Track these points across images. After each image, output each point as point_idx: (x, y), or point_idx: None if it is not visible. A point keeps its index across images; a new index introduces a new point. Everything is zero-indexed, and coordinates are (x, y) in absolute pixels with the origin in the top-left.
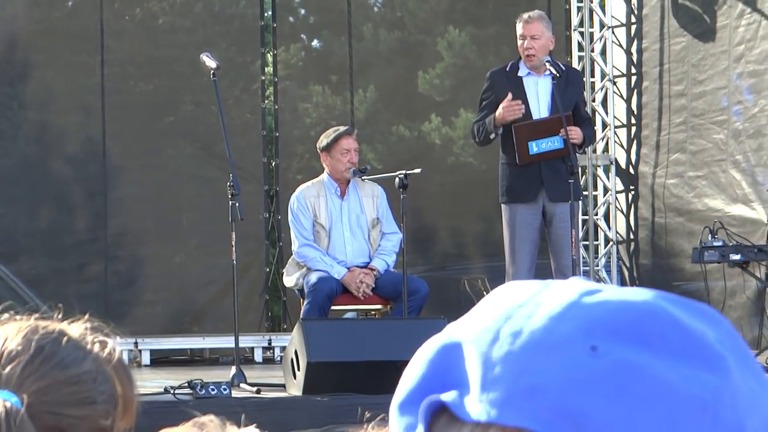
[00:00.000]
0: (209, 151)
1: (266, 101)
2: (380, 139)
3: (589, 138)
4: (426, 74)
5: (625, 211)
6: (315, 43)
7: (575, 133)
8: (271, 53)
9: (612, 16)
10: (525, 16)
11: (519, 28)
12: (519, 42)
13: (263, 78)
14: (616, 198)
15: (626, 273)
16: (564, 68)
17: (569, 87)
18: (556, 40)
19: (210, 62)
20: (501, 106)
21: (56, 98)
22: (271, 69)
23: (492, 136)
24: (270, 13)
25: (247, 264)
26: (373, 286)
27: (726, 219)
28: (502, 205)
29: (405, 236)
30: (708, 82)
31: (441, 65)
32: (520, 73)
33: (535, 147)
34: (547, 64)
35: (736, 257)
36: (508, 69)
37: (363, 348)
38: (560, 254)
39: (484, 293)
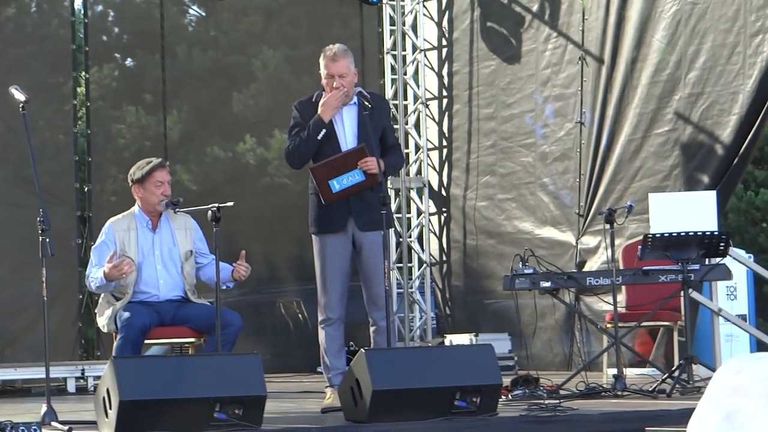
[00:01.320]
0: (21, 176)
1: (78, 124)
2: (195, 160)
3: (396, 164)
4: (240, 95)
5: (437, 233)
6: (129, 62)
7: (371, 164)
8: (83, 75)
9: (424, 39)
10: (329, 53)
11: (324, 65)
12: (325, 80)
13: (75, 102)
14: (429, 220)
15: (439, 294)
16: (368, 95)
17: (375, 114)
18: (370, 63)
19: (19, 95)
20: (327, 97)
21: None
22: (84, 91)
23: (319, 136)
24: (82, 34)
25: (60, 291)
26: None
27: (536, 241)
28: (312, 236)
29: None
30: (516, 106)
31: (255, 86)
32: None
33: (337, 185)
34: (358, 96)
35: (546, 284)
36: (314, 99)
37: (177, 385)
38: (371, 284)
39: (300, 316)
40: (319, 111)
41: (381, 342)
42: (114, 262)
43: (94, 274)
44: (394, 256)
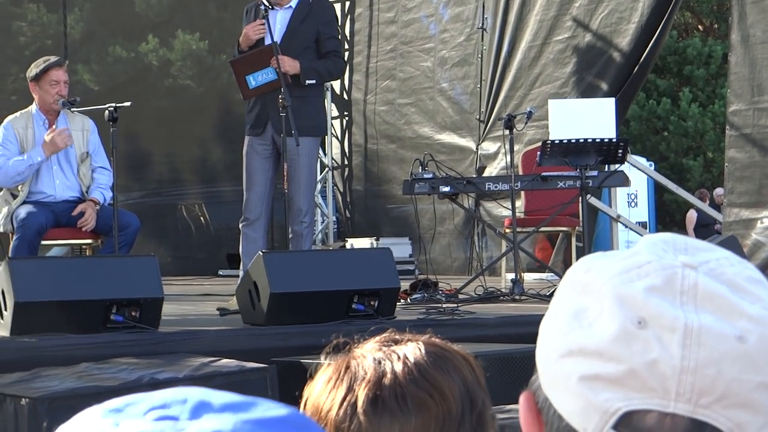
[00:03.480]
0: None
1: None
2: (96, 60)
3: (322, 70)
4: None
5: (339, 136)
6: None
7: (287, 63)
8: None
9: None
10: None
11: None
12: None
13: None
14: (332, 124)
15: (340, 198)
16: (311, 1)
17: (309, 18)
18: None
19: None
20: (246, 28)
21: None
22: None
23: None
24: None
25: None
26: (96, 220)
27: (436, 146)
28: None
29: (115, 171)
30: (416, 10)
31: None
32: (261, 7)
33: (253, 81)
34: None
35: (446, 189)
36: (258, 3)
37: (73, 287)
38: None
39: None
40: (241, 36)
41: (295, 248)
42: (57, 130)
43: (19, 158)
44: None
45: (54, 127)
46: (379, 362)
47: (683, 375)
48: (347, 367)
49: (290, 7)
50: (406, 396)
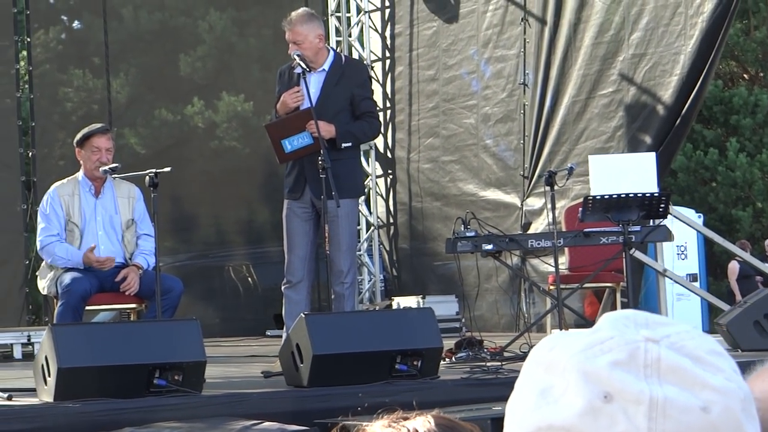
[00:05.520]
0: None
1: (21, 90)
2: (142, 123)
3: (358, 132)
4: (187, 57)
5: (384, 195)
6: (76, 24)
7: (323, 128)
8: (25, 40)
9: (368, 1)
10: (286, 18)
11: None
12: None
13: (17, 66)
14: (376, 182)
15: (386, 257)
16: (344, 61)
17: (342, 80)
18: None
19: None
20: (283, 95)
21: None
22: (26, 56)
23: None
24: None
25: (6, 256)
26: (138, 284)
27: (481, 203)
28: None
29: (157, 236)
30: (457, 67)
31: (202, 48)
32: (297, 70)
33: (289, 145)
34: (296, 57)
35: (488, 247)
36: (293, 65)
37: (115, 352)
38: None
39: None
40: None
41: (337, 309)
42: (100, 258)
43: (63, 253)
44: None
45: (94, 247)
46: None
47: None
48: None
49: (323, 70)
50: None
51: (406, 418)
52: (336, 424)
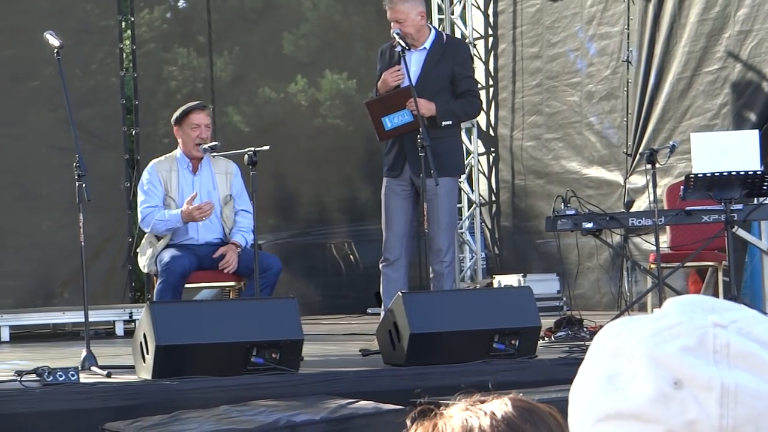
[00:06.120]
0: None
1: (125, 69)
2: (246, 101)
3: (458, 111)
4: (291, 35)
5: (486, 173)
6: (181, 3)
7: (424, 106)
8: (129, 20)
9: None
10: None
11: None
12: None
13: (121, 45)
14: (479, 160)
15: (488, 235)
16: (445, 40)
17: (443, 59)
18: None
19: (53, 41)
20: (384, 74)
21: None
22: (130, 35)
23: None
24: None
25: (110, 234)
26: (237, 263)
27: (584, 181)
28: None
29: (255, 214)
30: (561, 44)
31: (306, 26)
32: (397, 49)
33: (389, 122)
34: (396, 36)
35: (588, 225)
36: (394, 44)
37: (213, 330)
38: (428, 229)
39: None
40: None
41: (436, 287)
42: (198, 204)
43: (162, 216)
44: None
45: (195, 194)
46: (466, 419)
47: None
48: (434, 427)
49: (425, 48)
50: None
51: (483, 401)
52: (421, 403)
